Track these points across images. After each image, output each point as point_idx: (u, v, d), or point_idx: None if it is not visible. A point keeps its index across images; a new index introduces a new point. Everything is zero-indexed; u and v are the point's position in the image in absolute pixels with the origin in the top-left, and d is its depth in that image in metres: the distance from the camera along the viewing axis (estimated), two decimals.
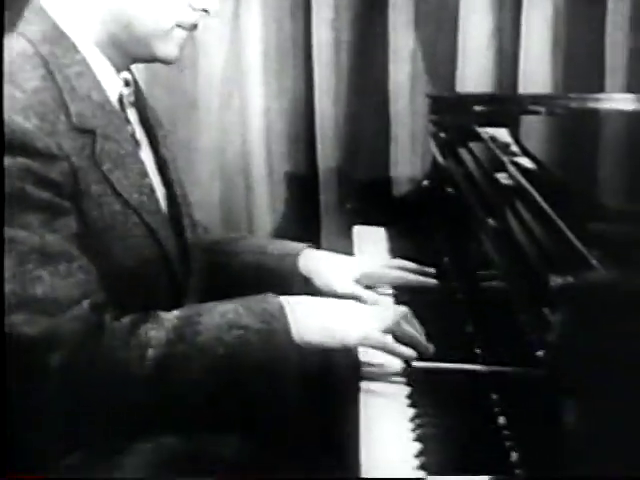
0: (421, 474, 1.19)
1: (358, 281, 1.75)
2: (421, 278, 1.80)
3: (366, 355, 1.48)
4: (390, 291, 1.80)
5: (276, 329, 1.37)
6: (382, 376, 1.45)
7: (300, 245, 1.79)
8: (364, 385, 1.43)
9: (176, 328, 1.35)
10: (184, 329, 1.35)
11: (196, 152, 2.79)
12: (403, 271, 1.80)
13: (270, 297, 1.42)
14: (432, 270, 1.82)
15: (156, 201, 1.49)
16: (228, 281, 1.74)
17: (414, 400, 1.38)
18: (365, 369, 1.47)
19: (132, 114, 1.53)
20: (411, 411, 1.35)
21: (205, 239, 1.76)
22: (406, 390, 1.41)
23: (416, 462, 1.22)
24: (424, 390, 1.41)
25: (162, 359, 1.33)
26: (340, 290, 1.71)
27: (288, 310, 1.40)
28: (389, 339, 1.44)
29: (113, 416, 1.35)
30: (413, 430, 1.30)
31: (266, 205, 2.83)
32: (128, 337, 1.33)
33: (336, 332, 1.41)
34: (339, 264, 1.76)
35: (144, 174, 1.47)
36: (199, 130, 2.79)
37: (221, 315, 1.38)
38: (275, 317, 1.38)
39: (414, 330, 1.46)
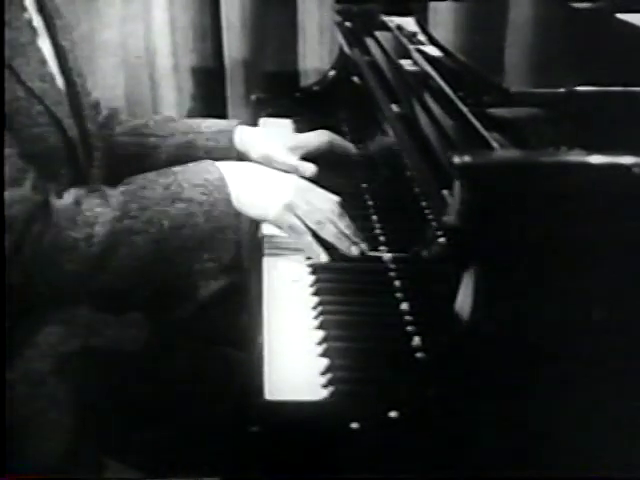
0: (323, 361, 1.19)
1: (293, 151, 1.73)
2: (346, 143, 1.81)
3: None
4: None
5: (218, 200, 1.40)
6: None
7: (233, 121, 1.78)
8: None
9: (122, 204, 1.36)
10: (130, 204, 1.36)
11: (99, 45, 2.71)
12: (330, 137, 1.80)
13: (210, 166, 1.44)
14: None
15: (58, 90, 1.47)
16: (157, 165, 1.71)
17: (316, 289, 1.38)
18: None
19: (29, 1, 1.48)
20: (313, 299, 1.35)
21: (130, 123, 1.74)
22: (310, 278, 1.41)
23: (318, 349, 1.22)
24: (327, 279, 1.41)
25: (110, 235, 1.33)
26: (279, 160, 1.71)
27: (228, 179, 1.41)
28: (300, 229, 1.44)
29: (65, 294, 1.38)
30: (316, 317, 1.30)
31: (172, 99, 2.78)
32: (74, 215, 1.33)
33: (264, 204, 1.44)
34: (273, 137, 1.77)
35: (44, 62, 1.44)
36: (101, 23, 2.71)
37: (164, 188, 1.39)
38: (217, 187, 1.40)
39: (343, 227, 1.46)
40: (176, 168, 1.43)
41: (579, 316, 1.03)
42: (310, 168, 1.69)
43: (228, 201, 1.40)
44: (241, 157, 1.71)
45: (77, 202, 1.34)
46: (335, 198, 1.47)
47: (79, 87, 1.54)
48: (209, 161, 1.44)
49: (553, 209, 0.99)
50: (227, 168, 1.43)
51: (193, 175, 1.41)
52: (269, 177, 1.48)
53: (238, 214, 1.42)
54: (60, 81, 1.50)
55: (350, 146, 1.81)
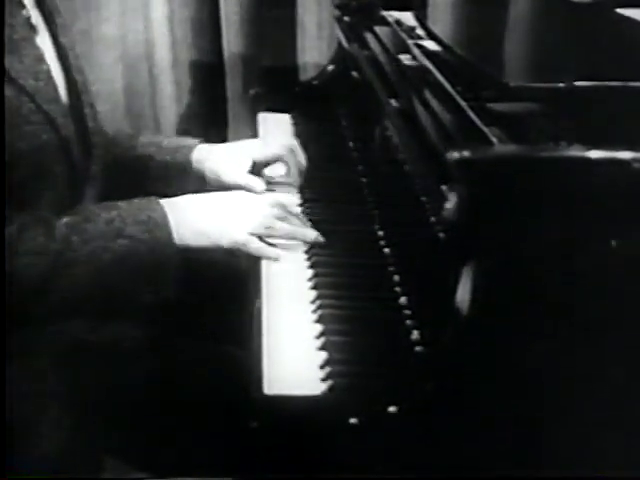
0: (322, 354, 1.19)
1: (253, 166, 1.71)
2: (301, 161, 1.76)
3: None
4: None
5: (159, 238, 1.39)
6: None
7: (195, 140, 1.75)
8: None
9: (64, 236, 1.35)
10: (72, 237, 1.36)
11: (97, 40, 2.71)
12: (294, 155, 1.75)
13: (154, 203, 1.43)
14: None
15: (54, 88, 1.45)
16: (127, 177, 1.72)
17: (315, 283, 1.38)
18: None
19: None
20: (312, 293, 1.35)
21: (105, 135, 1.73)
22: (308, 273, 1.42)
23: (317, 343, 1.23)
24: (325, 273, 1.41)
25: (50, 267, 1.33)
26: (228, 181, 1.67)
27: (170, 217, 1.41)
28: (257, 244, 1.46)
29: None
30: (314, 311, 1.30)
31: (171, 93, 2.78)
32: (16, 244, 1.32)
33: (210, 236, 1.44)
34: (230, 154, 1.72)
35: (40, 60, 1.43)
36: (100, 17, 2.71)
37: (107, 222, 1.39)
38: (159, 225, 1.40)
39: (291, 224, 1.49)
40: (121, 203, 1.43)
41: (578, 311, 1.03)
42: (260, 188, 1.65)
43: (170, 239, 1.40)
44: (197, 174, 1.70)
45: (21, 230, 1.33)
46: (271, 200, 1.50)
47: (80, 85, 1.53)
48: (154, 198, 1.44)
49: (552, 204, 0.99)
50: (170, 205, 1.43)
51: (137, 212, 1.41)
52: (211, 208, 1.48)
53: (181, 250, 1.42)
54: (60, 79, 1.49)
55: (303, 164, 1.75)
